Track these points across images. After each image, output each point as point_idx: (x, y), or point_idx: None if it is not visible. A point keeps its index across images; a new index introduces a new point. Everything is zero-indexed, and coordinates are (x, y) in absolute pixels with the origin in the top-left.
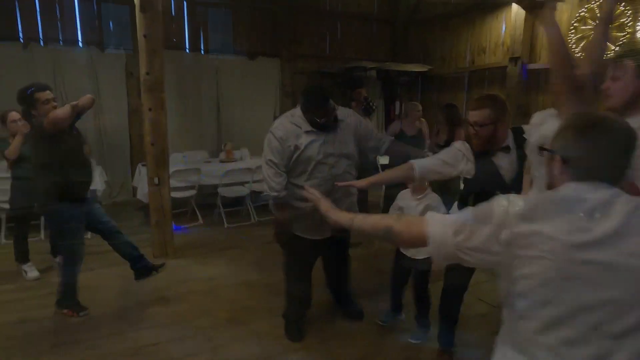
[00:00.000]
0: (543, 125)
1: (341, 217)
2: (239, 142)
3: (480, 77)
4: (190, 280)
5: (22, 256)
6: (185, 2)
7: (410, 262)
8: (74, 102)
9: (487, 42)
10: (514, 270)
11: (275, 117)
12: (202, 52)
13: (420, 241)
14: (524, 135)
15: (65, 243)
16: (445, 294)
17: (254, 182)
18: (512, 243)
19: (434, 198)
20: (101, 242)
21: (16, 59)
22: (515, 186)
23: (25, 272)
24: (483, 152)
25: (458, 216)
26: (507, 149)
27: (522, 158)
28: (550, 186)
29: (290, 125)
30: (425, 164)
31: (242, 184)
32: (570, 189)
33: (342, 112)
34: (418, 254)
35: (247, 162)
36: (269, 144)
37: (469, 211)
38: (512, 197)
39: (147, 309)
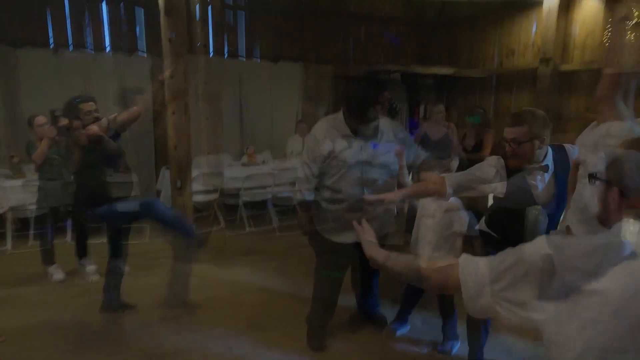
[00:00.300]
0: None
1: (377, 254)
2: (262, 145)
3: (509, 79)
4: (210, 285)
5: (49, 258)
6: (209, 6)
7: None
8: (113, 116)
9: (516, 44)
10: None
11: (297, 121)
12: (226, 55)
13: (452, 288)
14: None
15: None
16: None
17: (276, 186)
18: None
19: (455, 201)
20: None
21: (46, 65)
22: (550, 206)
23: (51, 274)
24: (518, 169)
25: (495, 260)
26: (545, 168)
27: (560, 178)
28: (603, 220)
29: (329, 128)
30: (457, 179)
31: (264, 187)
32: (633, 230)
33: (384, 122)
34: None
35: (269, 166)
36: (306, 144)
37: (506, 254)
38: (555, 238)
39: (167, 315)
